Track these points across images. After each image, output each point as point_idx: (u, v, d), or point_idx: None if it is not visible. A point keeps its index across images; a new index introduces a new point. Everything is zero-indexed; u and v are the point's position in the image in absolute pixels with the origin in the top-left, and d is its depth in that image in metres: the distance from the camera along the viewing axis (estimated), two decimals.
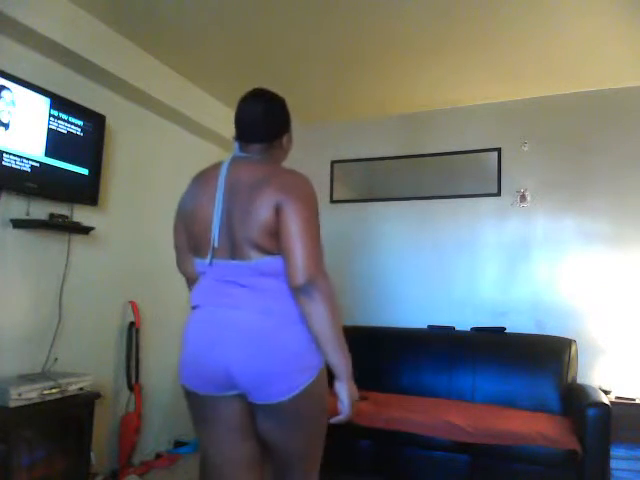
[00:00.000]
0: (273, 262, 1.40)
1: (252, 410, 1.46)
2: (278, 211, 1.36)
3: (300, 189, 1.41)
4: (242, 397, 1.44)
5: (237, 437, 1.47)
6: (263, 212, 1.37)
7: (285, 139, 1.57)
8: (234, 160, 1.50)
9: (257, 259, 1.40)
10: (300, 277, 1.34)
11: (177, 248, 1.59)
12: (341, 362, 1.41)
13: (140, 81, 3.06)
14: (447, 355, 3.31)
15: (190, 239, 1.52)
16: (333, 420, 1.45)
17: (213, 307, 1.45)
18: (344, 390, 1.42)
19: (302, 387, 1.38)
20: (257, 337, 1.38)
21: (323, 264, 1.40)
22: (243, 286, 1.42)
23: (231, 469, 1.48)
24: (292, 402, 1.39)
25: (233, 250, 1.42)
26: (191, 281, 1.59)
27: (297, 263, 1.34)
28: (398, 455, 2.75)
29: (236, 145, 1.54)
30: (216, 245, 1.43)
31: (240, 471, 1.49)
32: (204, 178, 1.53)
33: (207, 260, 1.46)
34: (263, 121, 1.50)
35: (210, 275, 1.48)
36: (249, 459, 1.49)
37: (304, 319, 1.40)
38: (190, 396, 1.49)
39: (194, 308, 1.51)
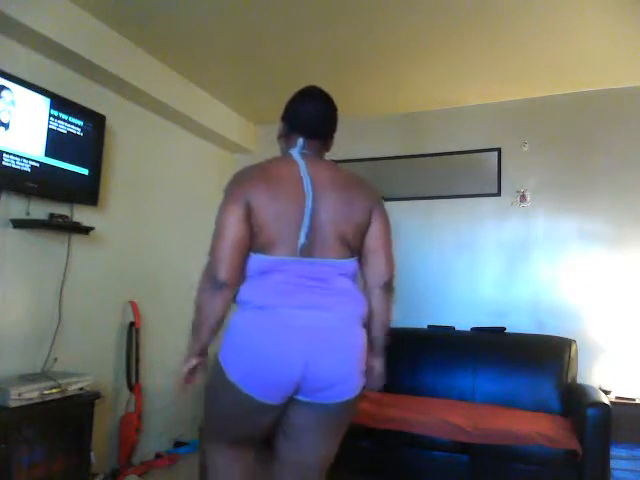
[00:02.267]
0: (353, 264, 1.51)
1: (292, 411, 1.46)
2: (371, 215, 1.51)
3: (379, 194, 1.60)
4: (288, 400, 1.44)
5: (263, 435, 1.53)
6: (361, 214, 1.49)
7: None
8: (305, 157, 1.51)
9: (343, 259, 1.46)
10: (388, 274, 1.55)
11: (231, 246, 1.39)
12: (384, 343, 1.63)
13: (140, 81, 3.06)
14: (447, 355, 3.31)
15: (261, 235, 1.42)
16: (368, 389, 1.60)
17: (296, 310, 1.39)
18: (383, 365, 1.64)
19: (359, 389, 1.47)
20: (340, 341, 1.42)
21: None
22: (327, 287, 1.44)
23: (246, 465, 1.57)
24: (350, 402, 1.45)
25: (319, 248, 1.43)
26: (230, 287, 1.41)
27: (387, 262, 1.55)
28: (398, 455, 2.75)
29: (300, 141, 1.53)
30: (304, 241, 1.41)
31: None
32: (276, 172, 1.47)
33: (289, 257, 1.40)
34: (329, 118, 1.59)
35: (289, 273, 1.41)
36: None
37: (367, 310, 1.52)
38: (244, 398, 1.40)
39: (262, 308, 1.40)
